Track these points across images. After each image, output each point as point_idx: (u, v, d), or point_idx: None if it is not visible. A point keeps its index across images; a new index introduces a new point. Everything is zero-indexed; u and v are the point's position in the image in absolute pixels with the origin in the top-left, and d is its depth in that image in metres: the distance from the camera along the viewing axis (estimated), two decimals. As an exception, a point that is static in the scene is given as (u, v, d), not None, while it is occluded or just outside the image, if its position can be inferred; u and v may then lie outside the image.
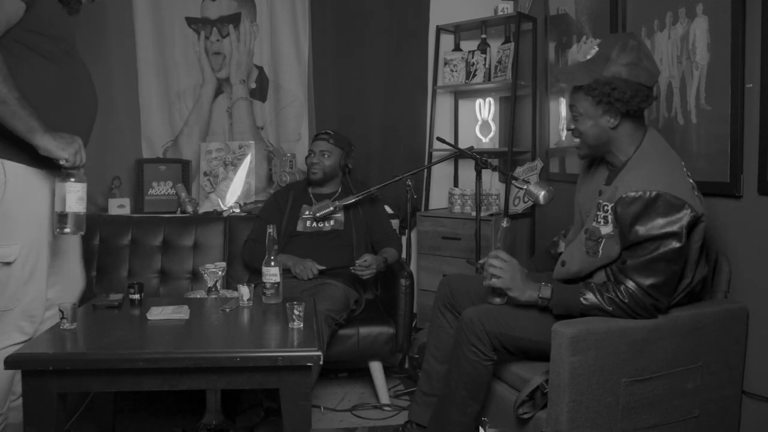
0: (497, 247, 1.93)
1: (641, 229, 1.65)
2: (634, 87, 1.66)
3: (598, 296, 1.72)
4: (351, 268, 2.57)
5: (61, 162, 1.76)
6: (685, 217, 1.64)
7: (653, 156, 1.75)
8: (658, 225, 1.63)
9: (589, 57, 1.74)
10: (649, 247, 1.66)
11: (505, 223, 1.97)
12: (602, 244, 1.77)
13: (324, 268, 2.61)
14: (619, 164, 1.81)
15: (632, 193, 1.66)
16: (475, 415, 1.90)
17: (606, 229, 1.75)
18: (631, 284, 1.69)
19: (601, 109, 1.72)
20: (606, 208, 1.74)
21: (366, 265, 2.55)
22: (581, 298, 1.73)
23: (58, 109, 1.84)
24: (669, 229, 1.63)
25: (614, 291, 1.71)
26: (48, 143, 1.74)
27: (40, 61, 1.81)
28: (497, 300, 1.91)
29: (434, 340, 2.14)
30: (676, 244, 1.64)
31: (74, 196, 1.79)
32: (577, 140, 1.83)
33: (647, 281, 1.67)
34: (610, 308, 1.70)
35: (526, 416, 1.78)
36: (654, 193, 1.64)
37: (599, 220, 1.76)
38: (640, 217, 1.65)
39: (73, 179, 1.79)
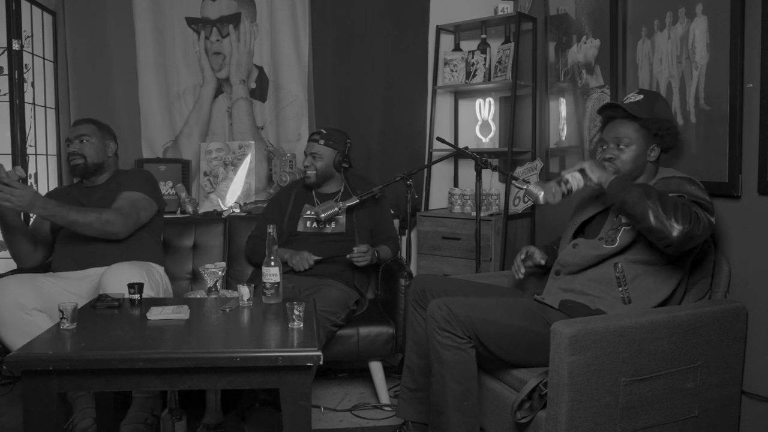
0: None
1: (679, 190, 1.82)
2: (676, 127, 1.98)
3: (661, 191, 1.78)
4: (348, 255, 2.58)
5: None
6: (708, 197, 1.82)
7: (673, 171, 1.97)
8: (693, 191, 1.81)
9: (635, 100, 1.97)
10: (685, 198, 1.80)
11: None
12: (620, 232, 1.88)
13: (320, 258, 2.62)
14: None
15: (670, 174, 1.91)
16: (474, 412, 1.90)
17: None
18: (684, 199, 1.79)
19: (651, 141, 1.94)
20: None
21: (363, 250, 2.59)
22: (635, 187, 1.78)
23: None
24: (703, 195, 1.82)
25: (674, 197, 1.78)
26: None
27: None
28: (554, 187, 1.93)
29: (411, 336, 2.20)
30: (706, 201, 1.80)
31: None
32: (612, 168, 1.94)
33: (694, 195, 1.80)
34: (655, 204, 1.72)
35: (523, 420, 1.78)
36: (688, 177, 1.88)
37: None
38: (679, 183, 1.84)
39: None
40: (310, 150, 2.76)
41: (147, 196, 2.53)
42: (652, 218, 1.71)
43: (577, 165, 1.93)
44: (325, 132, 2.78)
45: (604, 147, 1.99)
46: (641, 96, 1.97)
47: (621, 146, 1.94)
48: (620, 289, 1.87)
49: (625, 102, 1.98)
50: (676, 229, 1.68)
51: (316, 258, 2.62)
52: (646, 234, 1.78)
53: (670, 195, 1.78)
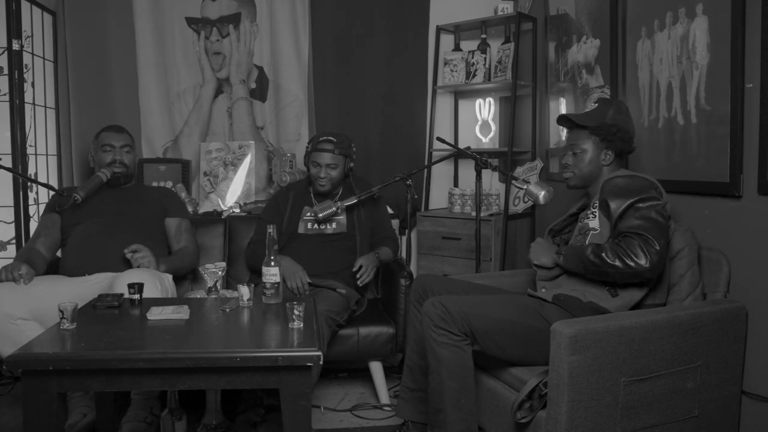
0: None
1: (624, 200, 1.88)
2: (626, 131, 2.06)
3: (596, 248, 1.88)
4: (357, 282, 2.57)
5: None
6: (658, 186, 1.93)
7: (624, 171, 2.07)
8: (636, 190, 1.89)
9: (589, 109, 2.16)
10: (635, 208, 1.86)
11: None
12: (588, 237, 1.99)
13: (310, 281, 2.53)
14: (596, 194, 2.07)
15: (614, 178, 1.99)
16: (471, 409, 1.90)
17: (593, 223, 2.00)
18: (625, 232, 1.85)
19: (603, 146, 2.06)
20: (595, 204, 2.02)
21: (362, 270, 2.56)
22: (586, 249, 1.91)
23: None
24: (647, 194, 1.88)
25: (610, 243, 1.88)
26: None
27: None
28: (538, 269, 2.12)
29: (412, 335, 2.20)
30: (656, 201, 1.87)
31: None
32: (569, 173, 2.12)
33: (638, 225, 1.83)
34: (608, 256, 1.83)
35: (524, 420, 1.78)
36: (631, 174, 1.99)
37: (589, 216, 2.03)
38: (622, 188, 1.91)
39: None
40: (325, 161, 2.65)
41: (190, 221, 2.84)
42: (617, 274, 1.83)
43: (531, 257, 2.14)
44: (335, 140, 2.66)
45: (565, 154, 2.13)
46: (596, 105, 2.13)
47: (575, 152, 2.09)
48: (605, 285, 1.91)
49: (586, 111, 2.10)
50: (642, 267, 1.78)
51: (310, 281, 2.53)
52: (620, 280, 1.87)
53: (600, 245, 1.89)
